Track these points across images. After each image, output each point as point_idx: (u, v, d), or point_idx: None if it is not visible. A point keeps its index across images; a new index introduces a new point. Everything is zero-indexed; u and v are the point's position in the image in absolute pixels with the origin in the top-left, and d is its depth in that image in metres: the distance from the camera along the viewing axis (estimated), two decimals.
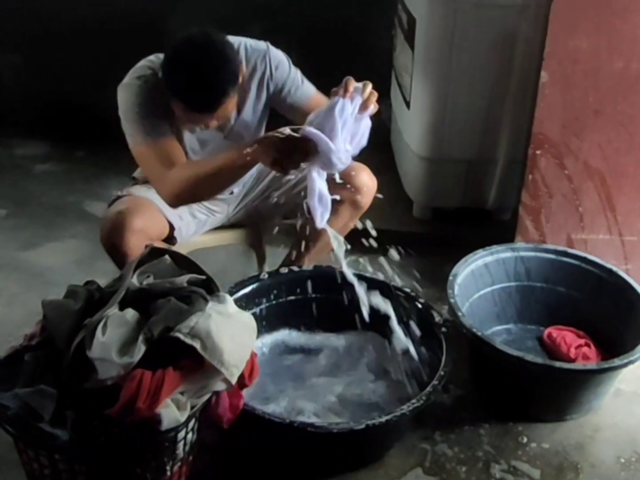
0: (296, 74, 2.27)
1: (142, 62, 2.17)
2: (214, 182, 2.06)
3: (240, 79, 2.04)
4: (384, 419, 1.89)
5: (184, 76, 1.94)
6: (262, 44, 2.24)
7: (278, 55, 2.24)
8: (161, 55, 2.09)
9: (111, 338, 1.65)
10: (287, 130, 1.90)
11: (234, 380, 1.74)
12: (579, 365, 2.33)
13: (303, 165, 1.90)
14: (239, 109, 2.22)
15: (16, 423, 1.63)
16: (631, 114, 2.51)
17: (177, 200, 2.09)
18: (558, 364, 2.22)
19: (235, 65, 1.99)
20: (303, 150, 1.85)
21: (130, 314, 1.72)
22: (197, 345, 1.68)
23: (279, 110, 2.31)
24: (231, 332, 1.76)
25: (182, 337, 1.68)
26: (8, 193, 3.58)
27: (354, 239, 2.52)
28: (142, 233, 2.09)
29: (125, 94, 2.12)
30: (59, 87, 4.12)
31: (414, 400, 1.95)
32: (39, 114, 4.13)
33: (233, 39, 2.16)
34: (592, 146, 2.57)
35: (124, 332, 1.68)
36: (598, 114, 2.52)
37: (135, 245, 2.04)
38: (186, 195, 2.07)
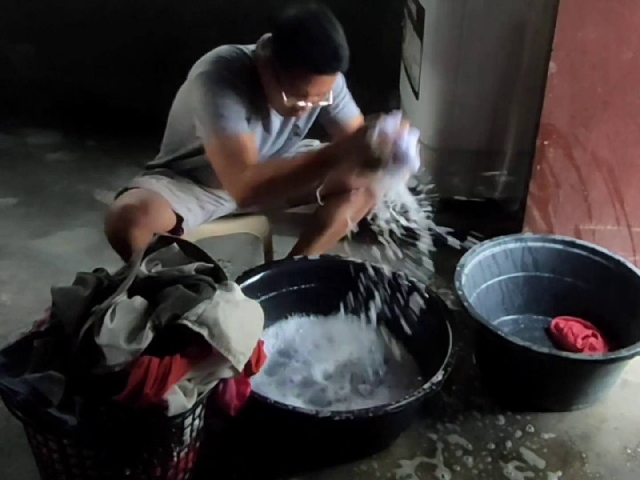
0: (347, 93, 2.36)
1: (222, 50, 2.18)
2: (290, 183, 2.06)
3: None
4: (390, 407, 1.90)
5: (313, 33, 1.98)
6: None
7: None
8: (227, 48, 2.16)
9: (119, 325, 1.67)
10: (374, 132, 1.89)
11: (241, 368, 1.75)
12: (585, 355, 2.33)
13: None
14: None
15: (25, 408, 1.64)
16: None
17: (250, 200, 2.08)
18: (565, 353, 2.22)
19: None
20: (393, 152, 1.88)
21: (139, 301, 1.74)
22: (204, 332, 1.69)
23: (322, 120, 2.37)
24: (239, 320, 1.77)
25: (189, 324, 1.69)
26: (19, 181, 3.61)
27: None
28: (147, 227, 2.09)
29: (205, 82, 2.10)
30: (71, 77, 4.15)
31: (420, 389, 1.96)
32: (50, 103, 4.16)
33: None
34: (601, 137, 2.56)
35: (132, 319, 1.69)
36: (606, 105, 2.51)
37: (140, 239, 2.05)
38: (260, 196, 2.06)
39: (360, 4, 4.07)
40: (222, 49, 2.18)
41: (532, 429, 2.20)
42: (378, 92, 4.02)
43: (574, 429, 2.21)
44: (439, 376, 1.99)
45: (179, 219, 2.27)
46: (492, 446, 2.14)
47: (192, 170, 2.37)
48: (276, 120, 2.29)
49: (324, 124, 2.40)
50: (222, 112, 2.05)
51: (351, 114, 2.38)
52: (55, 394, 1.62)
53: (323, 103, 2.17)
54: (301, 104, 2.09)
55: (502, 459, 2.10)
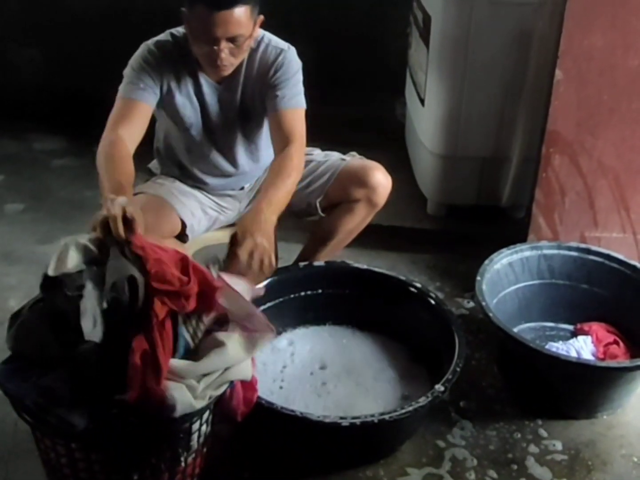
0: (299, 81, 2.27)
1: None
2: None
3: (253, 25, 2.10)
4: (395, 413, 1.90)
5: None
6: (284, 44, 2.26)
7: (293, 57, 2.26)
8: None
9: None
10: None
11: None
12: (613, 362, 2.32)
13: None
14: (237, 78, 2.25)
15: (34, 412, 1.64)
16: None
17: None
18: (592, 361, 2.24)
19: None
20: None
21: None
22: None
23: (265, 103, 2.29)
24: None
25: None
26: (26, 187, 3.61)
27: (367, 236, 2.55)
28: (154, 232, 2.08)
29: (136, 52, 2.26)
30: (77, 82, 4.15)
31: (425, 396, 1.96)
32: (57, 108, 4.16)
33: (262, 32, 2.23)
34: (607, 144, 2.57)
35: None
36: (613, 111, 2.52)
37: None
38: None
39: (366, 11, 4.08)
40: (164, 34, 2.30)
41: (538, 437, 2.20)
42: (384, 99, 4.04)
43: (580, 437, 2.21)
44: (444, 383, 1.99)
45: (184, 224, 2.27)
46: (498, 452, 2.14)
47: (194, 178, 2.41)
48: (207, 88, 2.26)
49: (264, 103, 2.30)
50: (129, 79, 2.23)
51: (290, 103, 2.23)
52: (64, 389, 1.61)
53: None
54: (214, 47, 2.07)
55: (506, 466, 2.09)
